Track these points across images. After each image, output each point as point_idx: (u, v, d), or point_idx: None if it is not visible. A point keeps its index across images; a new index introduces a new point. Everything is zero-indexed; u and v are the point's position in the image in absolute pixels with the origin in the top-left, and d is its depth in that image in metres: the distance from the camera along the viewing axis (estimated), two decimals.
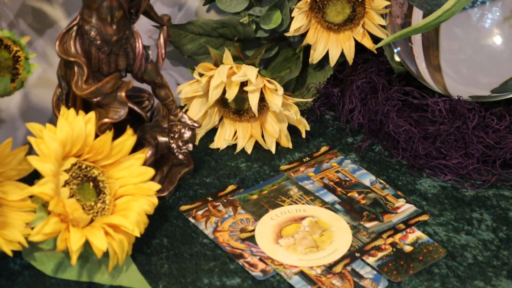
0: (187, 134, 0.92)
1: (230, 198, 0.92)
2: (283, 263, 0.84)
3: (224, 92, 0.94)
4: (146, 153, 0.87)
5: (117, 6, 0.83)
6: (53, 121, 0.88)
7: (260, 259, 0.85)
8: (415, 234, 0.87)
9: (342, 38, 1.03)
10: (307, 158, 0.98)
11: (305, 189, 0.93)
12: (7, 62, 0.81)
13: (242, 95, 0.96)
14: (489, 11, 0.93)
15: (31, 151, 0.80)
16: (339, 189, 0.93)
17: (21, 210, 0.79)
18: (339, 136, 1.02)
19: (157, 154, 0.91)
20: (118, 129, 0.85)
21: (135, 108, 0.90)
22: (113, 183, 0.82)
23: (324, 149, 0.99)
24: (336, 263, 0.84)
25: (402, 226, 0.88)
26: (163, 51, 0.90)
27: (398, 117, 0.98)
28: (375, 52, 1.03)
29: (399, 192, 0.93)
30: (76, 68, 0.84)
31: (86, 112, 0.81)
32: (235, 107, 0.98)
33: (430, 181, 0.95)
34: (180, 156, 0.92)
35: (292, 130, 0.99)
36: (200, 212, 0.90)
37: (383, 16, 1.01)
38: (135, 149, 0.85)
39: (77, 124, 0.79)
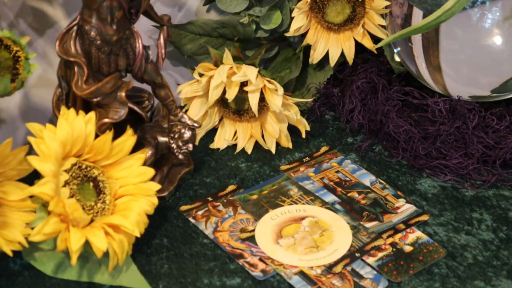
0: (187, 134, 0.92)
1: (230, 198, 0.92)
2: (283, 263, 0.84)
3: (224, 92, 0.94)
4: (146, 153, 0.87)
5: (117, 6, 0.83)
6: (53, 121, 0.88)
7: (260, 259, 0.85)
8: (415, 234, 0.87)
9: (342, 38, 1.03)
10: (307, 158, 0.98)
11: (305, 189, 0.93)
12: (7, 62, 0.81)
13: (242, 95, 0.96)
14: (489, 11, 0.93)
15: (31, 151, 0.80)
16: (339, 189, 0.93)
17: (21, 210, 0.79)
18: (339, 136, 1.02)
19: (157, 154, 0.91)
20: (118, 129, 0.85)
21: (135, 108, 0.90)
22: (113, 183, 0.82)
23: (324, 149, 0.99)
24: (336, 263, 0.84)
25: (402, 226, 0.88)
26: (163, 51, 0.90)
27: (398, 117, 0.98)
28: (375, 52, 1.03)
29: (399, 192, 0.93)
30: (76, 68, 0.84)
31: (86, 112, 0.81)
32: (235, 107, 0.98)
33: (430, 181, 0.95)
34: (180, 156, 0.92)
35: (292, 130, 0.99)
36: (200, 212, 0.90)
37: (383, 16, 1.01)
38: (135, 149, 0.85)
39: (77, 124, 0.79)
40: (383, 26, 1.01)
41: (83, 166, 0.81)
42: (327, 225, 0.88)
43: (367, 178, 0.95)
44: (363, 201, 0.91)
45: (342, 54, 1.04)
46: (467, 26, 0.93)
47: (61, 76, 0.87)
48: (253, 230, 0.88)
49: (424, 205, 0.91)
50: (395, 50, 1.01)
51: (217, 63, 0.95)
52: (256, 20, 1.01)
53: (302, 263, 0.84)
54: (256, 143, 0.99)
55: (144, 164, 0.84)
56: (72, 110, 0.80)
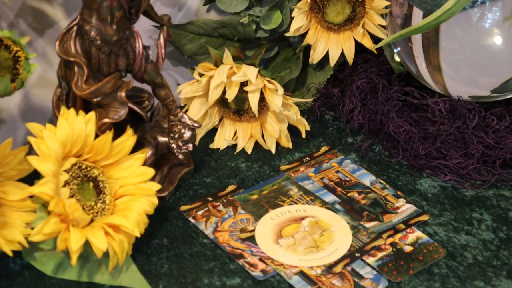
0: (187, 134, 0.92)
1: (230, 198, 0.92)
2: (283, 263, 0.84)
3: (224, 92, 0.94)
4: (146, 153, 0.87)
5: (117, 6, 0.83)
6: (53, 121, 0.88)
7: (260, 259, 0.85)
8: (415, 234, 0.87)
9: (342, 38, 1.03)
10: (307, 158, 0.98)
11: (305, 189, 0.93)
12: (7, 62, 0.81)
13: (242, 95, 0.96)
14: (489, 11, 0.93)
15: (31, 151, 0.80)
16: (339, 189, 0.93)
17: (21, 210, 0.79)
18: (339, 136, 1.02)
19: (157, 154, 0.91)
20: (118, 129, 0.85)
21: (135, 108, 0.90)
22: (113, 183, 0.82)
23: (324, 149, 0.99)
24: (336, 263, 0.84)
25: (402, 226, 0.88)
26: (163, 51, 0.90)
27: (398, 117, 0.98)
28: (375, 52, 1.03)
29: (399, 192, 0.93)
30: (76, 68, 0.84)
31: (86, 112, 0.81)
32: (235, 107, 0.98)
33: (430, 181, 0.95)
34: (180, 156, 0.92)
35: (292, 130, 0.99)
36: (200, 212, 0.90)
37: (383, 16, 1.01)
38: (135, 149, 0.85)
39: (77, 124, 0.79)
40: (383, 26, 1.01)
41: (83, 166, 0.81)
42: (327, 225, 0.88)
43: (367, 178, 0.95)
44: (363, 201, 0.91)
45: (342, 54, 1.04)
46: (467, 26, 0.93)
47: (61, 76, 0.87)
48: (253, 230, 0.88)
49: (424, 205, 0.91)
50: (395, 50, 1.01)
51: (217, 63, 0.95)
52: (256, 20, 1.01)
53: (302, 263, 0.84)
54: (256, 143, 0.99)
55: (144, 164, 0.84)
56: (72, 110, 0.80)
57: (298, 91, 1.06)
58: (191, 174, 0.95)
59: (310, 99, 1.03)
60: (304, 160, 0.97)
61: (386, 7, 0.99)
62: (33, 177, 0.79)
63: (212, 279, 0.82)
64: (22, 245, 0.78)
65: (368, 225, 0.88)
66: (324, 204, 0.91)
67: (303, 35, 1.03)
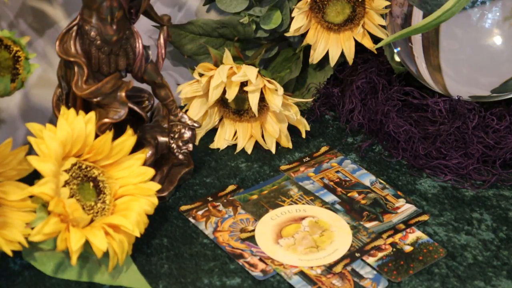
0: (187, 134, 0.92)
1: (230, 198, 0.92)
2: (283, 263, 0.84)
3: (224, 92, 0.94)
4: (146, 153, 0.87)
5: (117, 6, 0.83)
6: (53, 121, 0.88)
7: (260, 259, 0.85)
8: (415, 234, 0.87)
9: (342, 38, 1.03)
10: (307, 158, 0.98)
11: (305, 189, 0.93)
12: (7, 62, 0.81)
13: (242, 95, 0.96)
14: (489, 11, 0.93)
15: (31, 151, 0.80)
16: (339, 189, 0.93)
17: (21, 210, 0.79)
18: (339, 136, 1.02)
19: (157, 154, 0.91)
20: (118, 129, 0.85)
21: (135, 108, 0.90)
22: (113, 183, 0.82)
23: (324, 149, 0.99)
24: (336, 263, 0.84)
25: (402, 226, 0.88)
26: (163, 51, 0.90)
27: (398, 117, 0.98)
28: (375, 52, 1.03)
29: (399, 192, 0.93)
30: (76, 68, 0.84)
31: (86, 112, 0.81)
32: (235, 107, 0.98)
33: (430, 181, 0.95)
34: (180, 156, 0.92)
35: (292, 130, 0.99)
36: (200, 212, 0.90)
37: (383, 16, 1.01)
38: (135, 149, 0.85)
39: (77, 124, 0.79)
40: (383, 26, 1.01)
41: (83, 166, 0.81)
42: (327, 225, 0.88)
43: (367, 178, 0.95)
44: (363, 201, 0.91)
45: (342, 54, 1.04)
46: (467, 26, 0.93)
47: (61, 76, 0.87)
48: (253, 230, 0.88)
49: (424, 205, 0.91)
50: (395, 50, 1.01)
51: (217, 63, 0.95)
52: (256, 20, 1.01)
53: (302, 263, 0.84)
54: (256, 143, 0.99)
55: (144, 164, 0.84)
56: (72, 110, 0.80)
57: (298, 91, 1.06)
58: (191, 174, 0.95)
59: (310, 99, 1.03)
60: (304, 160, 0.97)
61: (386, 7, 0.99)
62: (33, 177, 0.79)
63: (212, 279, 0.82)
64: (22, 245, 0.78)
65: (368, 225, 0.88)
66: (324, 204, 0.91)
67: (303, 35, 1.03)
